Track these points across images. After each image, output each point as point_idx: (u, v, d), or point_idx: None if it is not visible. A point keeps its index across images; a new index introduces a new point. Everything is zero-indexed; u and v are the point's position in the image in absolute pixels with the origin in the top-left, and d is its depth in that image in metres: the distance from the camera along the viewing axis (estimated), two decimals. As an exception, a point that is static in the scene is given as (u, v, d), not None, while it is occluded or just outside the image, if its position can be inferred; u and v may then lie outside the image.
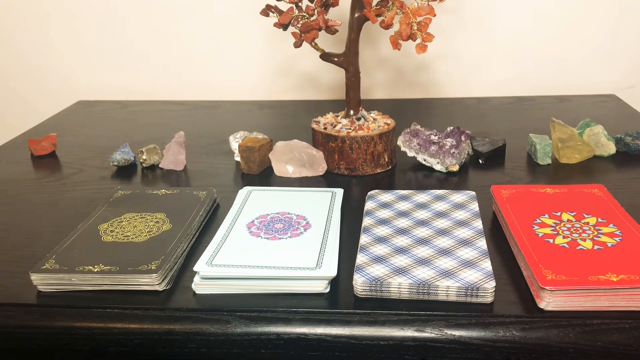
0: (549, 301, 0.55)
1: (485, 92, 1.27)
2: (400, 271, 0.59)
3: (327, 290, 0.59)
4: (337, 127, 0.87)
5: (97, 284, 0.60)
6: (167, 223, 0.70)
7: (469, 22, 1.23)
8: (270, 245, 0.65)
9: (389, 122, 0.90)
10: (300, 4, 0.79)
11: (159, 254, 0.63)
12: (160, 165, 0.92)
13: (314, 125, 0.90)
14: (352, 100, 0.89)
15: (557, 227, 0.64)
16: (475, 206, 0.72)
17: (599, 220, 0.66)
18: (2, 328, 0.58)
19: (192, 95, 1.31)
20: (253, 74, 1.31)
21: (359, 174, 0.87)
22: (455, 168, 0.86)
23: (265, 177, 0.88)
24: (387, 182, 0.86)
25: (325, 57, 0.86)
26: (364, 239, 0.65)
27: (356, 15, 0.83)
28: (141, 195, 0.78)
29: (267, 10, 0.81)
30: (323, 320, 0.56)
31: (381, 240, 0.65)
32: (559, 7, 1.20)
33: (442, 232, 0.66)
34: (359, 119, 0.89)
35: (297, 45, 0.81)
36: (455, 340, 0.54)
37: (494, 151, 0.90)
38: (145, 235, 0.67)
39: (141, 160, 0.92)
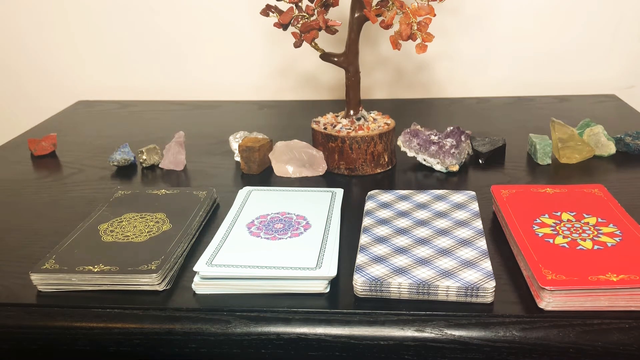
0: (549, 301, 0.55)
1: (485, 92, 1.27)
2: (400, 271, 0.59)
3: (327, 290, 0.59)
4: (337, 127, 0.87)
5: (97, 284, 0.60)
6: (167, 223, 0.70)
7: (469, 22, 1.23)
8: (270, 245, 0.65)
9: (389, 122, 0.90)
10: (300, 4, 0.79)
11: (159, 254, 0.63)
12: (160, 165, 0.92)
13: (314, 125, 0.90)
14: (352, 100, 0.89)
15: (557, 227, 0.64)
16: (475, 206, 0.71)
17: (599, 220, 0.66)
18: (2, 328, 0.58)
19: (192, 95, 1.31)
20: (253, 74, 1.31)
21: (359, 174, 0.87)
22: (455, 168, 0.86)
23: (265, 177, 0.88)
24: (387, 182, 0.86)
25: (325, 57, 0.86)
26: (364, 239, 0.65)
27: (356, 15, 0.83)
28: (141, 195, 0.78)
29: (267, 10, 0.81)
30: (323, 320, 0.56)
31: (381, 240, 0.65)
32: (559, 7, 1.20)
33: (442, 232, 0.66)
34: (359, 119, 0.89)
35: (297, 45, 0.81)
36: (455, 340, 0.54)
37: (494, 151, 0.90)
38: (145, 235, 0.67)
39: (141, 160, 0.92)
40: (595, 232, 0.63)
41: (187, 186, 0.86)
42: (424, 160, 0.88)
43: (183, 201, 0.76)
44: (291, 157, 0.87)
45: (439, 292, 0.57)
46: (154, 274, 0.59)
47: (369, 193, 0.77)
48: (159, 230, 0.68)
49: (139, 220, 0.71)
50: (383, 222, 0.69)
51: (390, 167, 0.90)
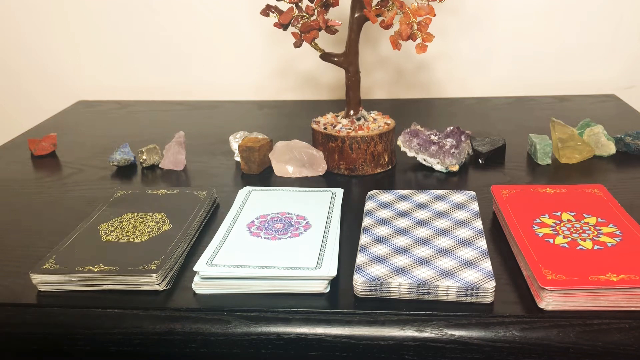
0: (549, 301, 0.55)
1: (485, 92, 1.27)
2: (400, 271, 0.59)
3: (327, 290, 0.59)
4: (337, 127, 0.87)
5: (97, 284, 0.60)
6: (167, 223, 0.70)
7: (469, 22, 1.23)
8: (270, 245, 0.65)
9: (389, 122, 0.90)
10: (300, 4, 0.79)
11: (159, 254, 0.63)
12: (160, 165, 0.92)
13: (314, 125, 0.90)
14: (352, 100, 0.89)
15: (557, 227, 0.64)
16: (475, 206, 0.71)
17: (599, 220, 0.66)
18: (2, 328, 0.58)
19: (192, 95, 1.31)
20: (253, 74, 1.31)
21: (359, 174, 0.87)
22: (455, 168, 0.86)
23: (265, 177, 0.88)
24: (387, 182, 0.86)
25: (325, 57, 0.86)
26: (364, 239, 0.65)
27: (356, 15, 0.83)
28: (141, 195, 0.78)
29: (267, 10, 0.81)
30: (323, 320, 0.56)
31: (381, 240, 0.65)
32: (559, 7, 1.20)
33: (442, 232, 0.66)
34: (359, 119, 0.89)
35: (297, 45, 0.81)
36: (455, 340, 0.54)
37: (494, 151, 0.90)
38: (145, 235, 0.67)
39: (141, 160, 0.91)
40: (595, 232, 0.63)
41: (187, 186, 0.86)
42: (424, 160, 0.88)
43: (183, 201, 0.76)
44: (291, 157, 0.87)
45: (439, 292, 0.57)
46: (154, 274, 0.59)
47: (369, 193, 0.77)
48: (159, 230, 0.68)
49: (139, 220, 0.71)
50: (383, 222, 0.69)
51: (390, 167, 0.90)
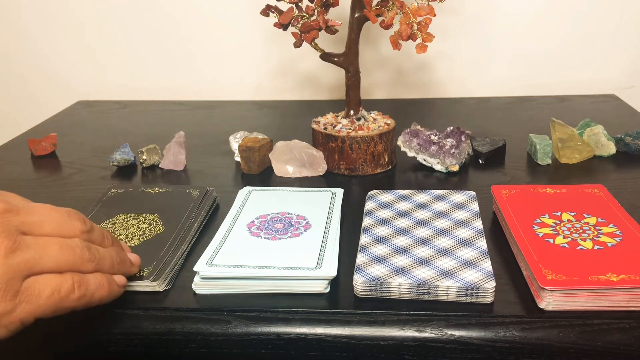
0: (549, 301, 0.55)
1: (485, 92, 1.27)
2: (400, 271, 0.59)
3: (327, 290, 0.59)
4: (337, 127, 0.87)
5: (97, 284, 0.60)
6: (159, 225, 0.69)
7: (469, 22, 1.23)
8: (270, 245, 0.65)
9: (389, 122, 0.90)
10: (300, 4, 0.79)
11: (152, 259, 0.62)
12: (160, 165, 0.92)
13: (314, 125, 0.90)
14: (352, 100, 0.89)
15: (557, 227, 0.64)
16: (475, 206, 0.71)
17: (599, 220, 0.66)
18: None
19: (192, 95, 1.31)
20: (253, 74, 1.31)
21: (359, 174, 0.87)
22: (455, 168, 0.86)
23: (265, 177, 0.88)
24: (387, 182, 0.86)
25: (325, 57, 0.86)
26: (364, 239, 0.65)
27: (356, 15, 0.83)
28: (134, 194, 0.77)
29: (267, 10, 0.81)
30: (323, 320, 0.56)
31: (381, 240, 0.65)
32: (559, 7, 1.20)
33: (442, 232, 0.66)
34: (359, 119, 0.89)
35: (297, 45, 0.81)
36: (455, 340, 0.54)
37: (494, 151, 0.90)
38: (138, 239, 0.66)
39: (141, 160, 0.91)
40: (596, 232, 0.63)
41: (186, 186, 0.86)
42: (424, 160, 0.88)
43: (176, 200, 0.75)
44: (291, 157, 0.87)
45: (439, 292, 0.57)
46: (146, 281, 0.59)
47: (369, 193, 0.77)
48: (152, 232, 0.68)
49: (132, 222, 0.70)
50: (383, 222, 0.69)
51: (390, 167, 0.90)
